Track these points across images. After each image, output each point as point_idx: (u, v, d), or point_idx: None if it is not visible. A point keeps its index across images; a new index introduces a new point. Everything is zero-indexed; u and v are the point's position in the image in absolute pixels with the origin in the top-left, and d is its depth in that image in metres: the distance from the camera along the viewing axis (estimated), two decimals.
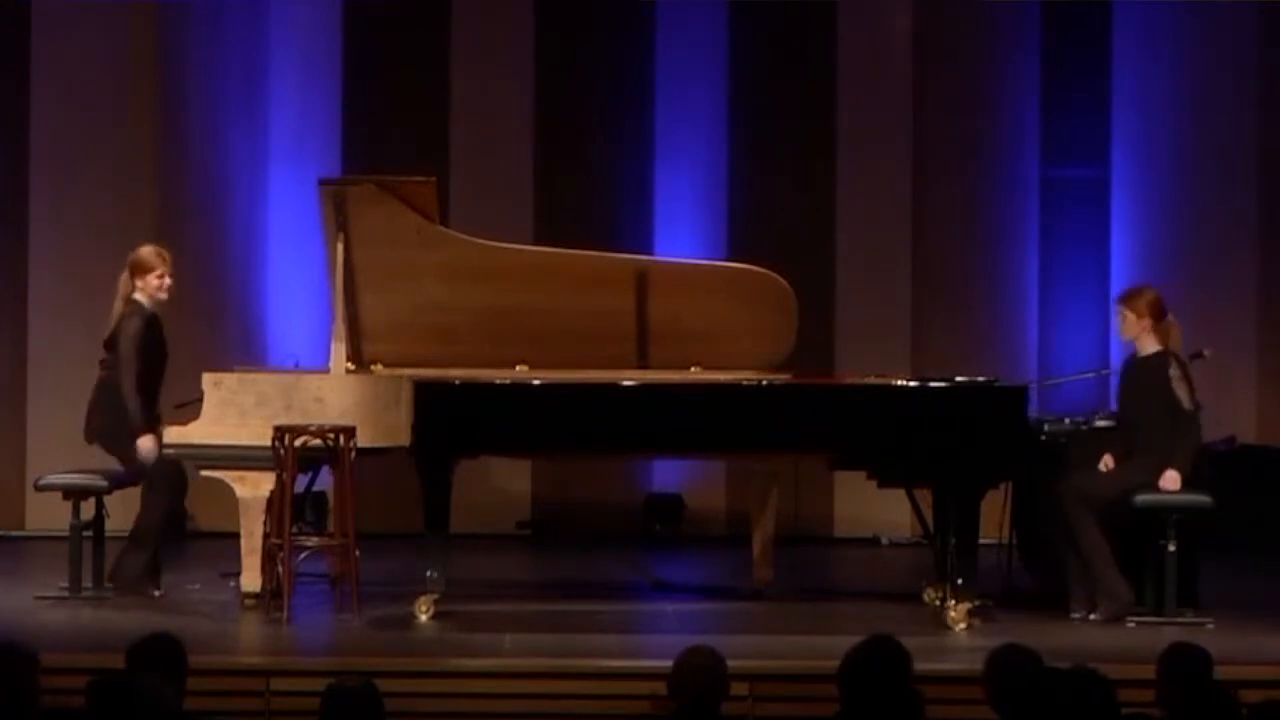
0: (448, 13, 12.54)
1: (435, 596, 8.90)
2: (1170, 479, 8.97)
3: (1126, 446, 9.18)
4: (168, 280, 9.38)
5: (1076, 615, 8.98)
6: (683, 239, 12.35)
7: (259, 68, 12.45)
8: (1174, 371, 9.06)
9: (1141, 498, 8.99)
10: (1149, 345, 9.17)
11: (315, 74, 12.48)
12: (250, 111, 12.43)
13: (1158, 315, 9.16)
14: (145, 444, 9.24)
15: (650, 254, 11.71)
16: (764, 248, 11.39)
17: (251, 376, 9.44)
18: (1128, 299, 9.27)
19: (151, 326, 9.36)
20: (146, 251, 9.44)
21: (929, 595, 9.33)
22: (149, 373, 9.34)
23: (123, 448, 9.30)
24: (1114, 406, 9.57)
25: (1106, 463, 9.14)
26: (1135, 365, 9.24)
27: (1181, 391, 9.04)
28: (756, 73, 12.60)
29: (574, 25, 12.57)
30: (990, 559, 9.49)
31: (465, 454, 9.11)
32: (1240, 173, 12.52)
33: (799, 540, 11.41)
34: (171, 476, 9.32)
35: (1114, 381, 9.68)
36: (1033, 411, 9.38)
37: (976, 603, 8.85)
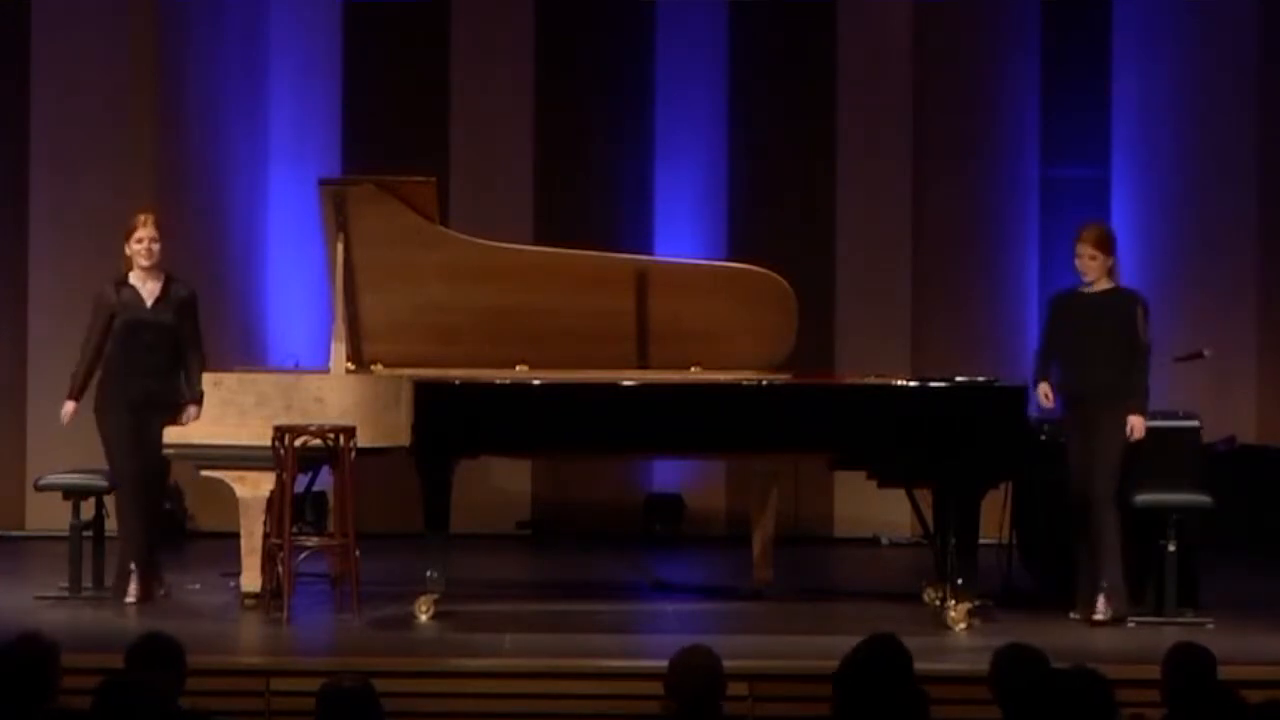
0: (448, 13, 12.54)
1: (435, 596, 8.90)
2: (1139, 426, 8.93)
3: (1071, 382, 9.08)
4: (146, 243, 9.22)
5: (1076, 616, 8.98)
6: (683, 239, 12.35)
7: (259, 68, 12.46)
8: (1140, 309, 9.05)
9: (1142, 497, 8.99)
10: (1104, 282, 9.13)
11: (315, 74, 12.49)
12: (250, 111, 12.44)
13: (1114, 250, 9.14)
14: (65, 408, 9.26)
15: (650, 254, 11.71)
16: (764, 248, 11.39)
17: (251, 376, 9.44)
18: (1095, 241, 9.13)
19: (123, 292, 9.23)
20: (132, 219, 9.38)
21: (929, 595, 9.33)
22: (131, 340, 9.20)
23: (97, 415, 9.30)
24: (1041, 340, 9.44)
25: (1045, 392, 9.09)
26: (1086, 300, 9.11)
27: (1144, 329, 9.03)
28: (756, 73, 12.60)
29: (574, 25, 12.57)
30: (990, 559, 9.49)
31: (465, 454, 9.11)
32: (1240, 173, 12.52)
33: (799, 540, 11.41)
34: (136, 481, 9.22)
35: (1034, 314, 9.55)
36: (1032, 411, 9.37)
37: (976, 603, 8.85)
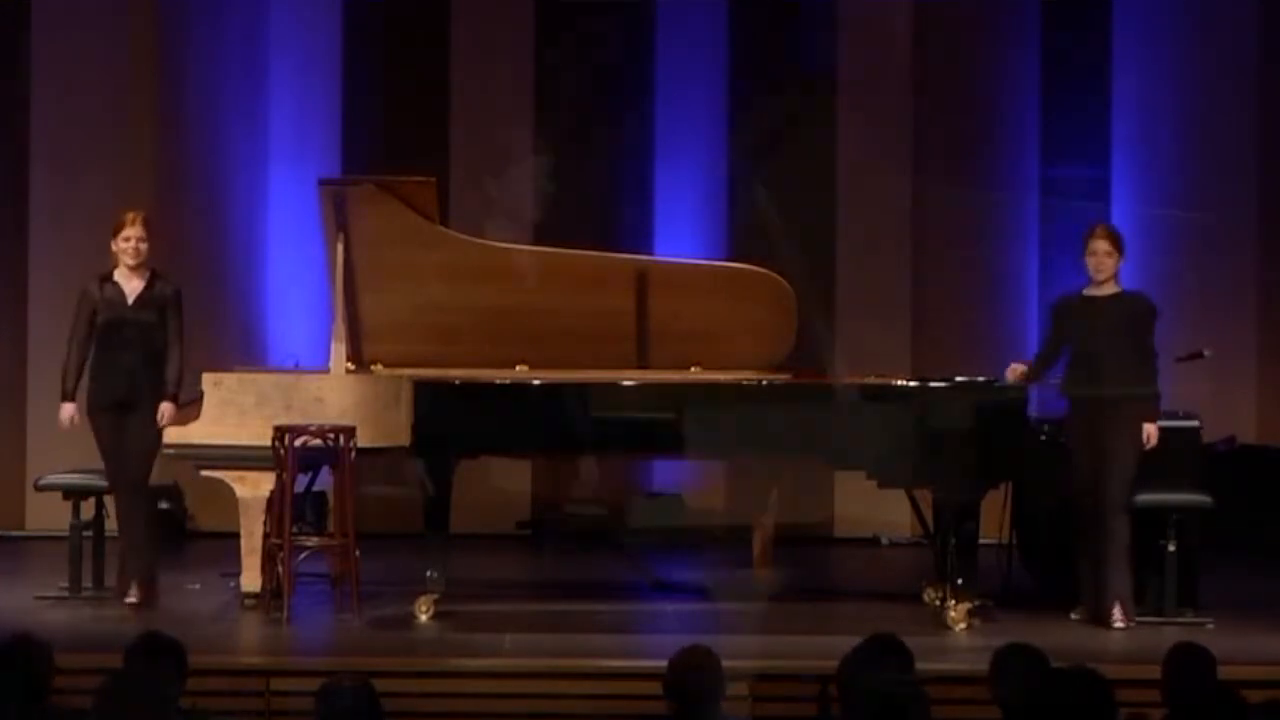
0: (448, 13, 12.54)
1: (435, 596, 8.90)
2: (1155, 434, 8.90)
3: (1079, 384, 9.03)
4: (133, 242, 9.16)
5: (1076, 616, 8.98)
6: (683, 239, 12.34)
7: (259, 68, 12.46)
8: (1151, 315, 9.04)
9: (1142, 497, 8.98)
10: (1111, 285, 9.11)
11: (315, 74, 12.49)
12: (250, 111, 12.43)
13: (1124, 250, 9.14)
14: (62, 411, 9.23)
15: (650, 254, 11.71)
16: (764, 248, 11.38)
17: (251, 376, 9.44)
18: (1112, 238, 9.13)
19: (106, 289, 9.20)
20: (121, 215, 9.34)
21: (929, 595, 9.33)
22: (112, 338, 9.16)
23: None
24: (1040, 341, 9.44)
25: (1016, 370, 9.09)
26: (1094, 303, 9.08)
27: (1152, 336, 9.03)
28: (756, 73, 12.60)
29: (574, 25, 12.57)
30: (990, 559, 9.49)
31: (465, 454, 9.11)
32: (1240, 173, 12.52)
33: (799, 540, 11.40)
34: (124, 480, 9.20)
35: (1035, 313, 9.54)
36: (1033, 411, 9.37)
37: (976, 603, 8.85)
